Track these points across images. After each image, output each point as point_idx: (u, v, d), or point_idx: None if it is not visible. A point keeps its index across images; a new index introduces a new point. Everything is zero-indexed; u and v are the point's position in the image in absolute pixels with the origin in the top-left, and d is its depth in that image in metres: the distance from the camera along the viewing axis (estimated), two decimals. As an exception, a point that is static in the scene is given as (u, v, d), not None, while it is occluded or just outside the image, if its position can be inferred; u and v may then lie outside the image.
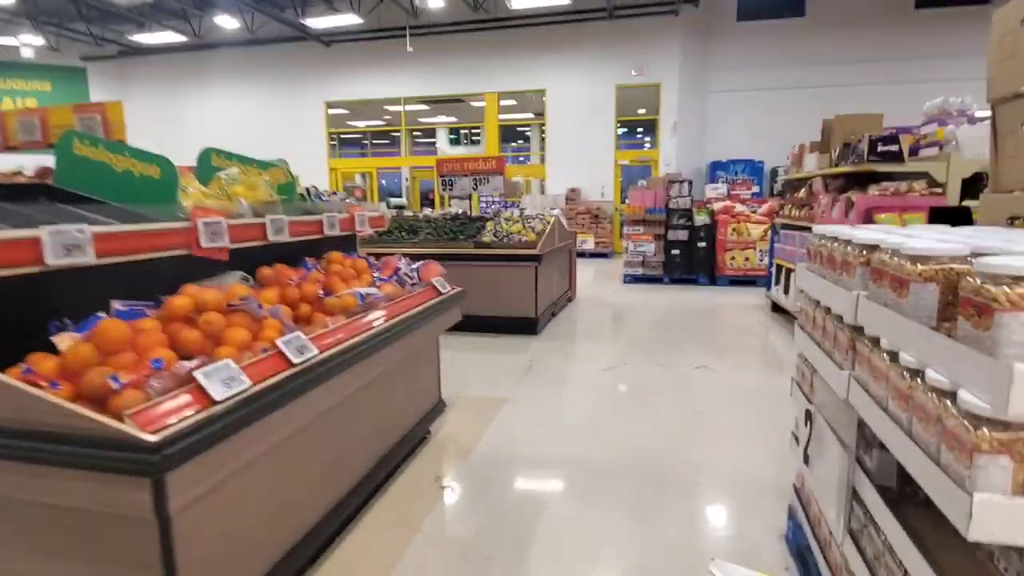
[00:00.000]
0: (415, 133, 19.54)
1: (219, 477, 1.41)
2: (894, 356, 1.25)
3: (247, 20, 13.93)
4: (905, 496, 1.31)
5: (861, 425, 1.41)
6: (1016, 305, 0.85)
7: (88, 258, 1.51)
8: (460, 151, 19.59)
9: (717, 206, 8.93)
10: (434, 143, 19.78)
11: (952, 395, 0.97)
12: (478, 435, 3.28)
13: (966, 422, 0.91)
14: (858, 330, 1.43)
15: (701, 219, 8.67)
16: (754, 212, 8.72)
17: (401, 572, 2.06)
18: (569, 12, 12.49)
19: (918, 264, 1.14)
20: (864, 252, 1.40)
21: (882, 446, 1.31)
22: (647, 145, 18.41)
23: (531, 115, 16.97)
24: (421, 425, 3.10)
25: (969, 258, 1.08)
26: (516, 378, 4.31)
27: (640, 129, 19.07)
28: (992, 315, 0.87)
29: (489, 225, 5.99)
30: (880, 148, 3.90)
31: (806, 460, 1.79)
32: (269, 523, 1.78)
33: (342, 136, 18.12)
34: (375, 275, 2.76)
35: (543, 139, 14.73)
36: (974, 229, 1.70)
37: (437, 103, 15.80)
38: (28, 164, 4.94)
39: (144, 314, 1.64)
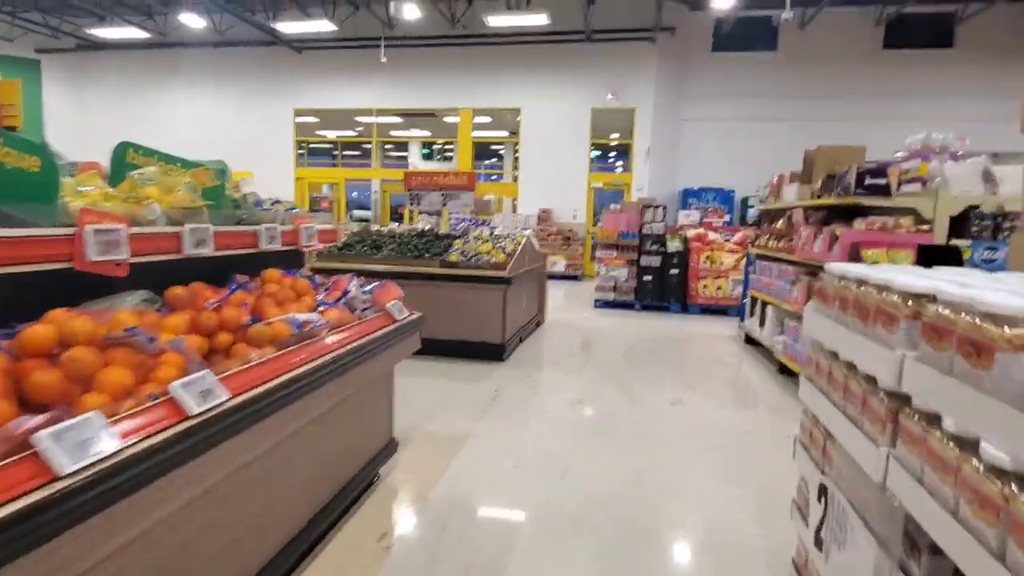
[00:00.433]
0: (387, 146, 19.17)
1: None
2: (960, 440, 0.97)
3: (215, 20, 13.44)
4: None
5: (906, 519, 1.13)
6: None
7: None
8: (433, 166, 19.29)
9: (690, 233, 8.81)
10: (406, 157, 19.44)
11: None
12: (433, 479, 2.91)
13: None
14: (902, 398, 1.15)
15: (674, 245, 8.52)
16: (727, 240, 8.62)
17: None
18: (547, 32, 12.40)
19: (1005, 327, 0.86)
20: (914, 302, 1.13)
21: (938, 551, 1.02)
22: (619, 169, 18.46)
23: (505, 133, 16.81)
24: (368, 468, 2.72)
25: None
26: (479, 410, 3.96)
27: (613, 153, 19.12)
28: None
29: (457, 243, 5.67)
30: (868, 181, 3.74)
31: (818, 544, 1.50)
32: (152, 616, 1.39)
33: (312, 145, 17.63)
34: (319, 298, 2.40)
35: (516, 158, 14.55)
36: None
37: (410, 116, 15.50)
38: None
39: (-8, 346, 1.26)
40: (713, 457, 3.32)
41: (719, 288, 8.35)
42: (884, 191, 3.75)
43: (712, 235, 8.74)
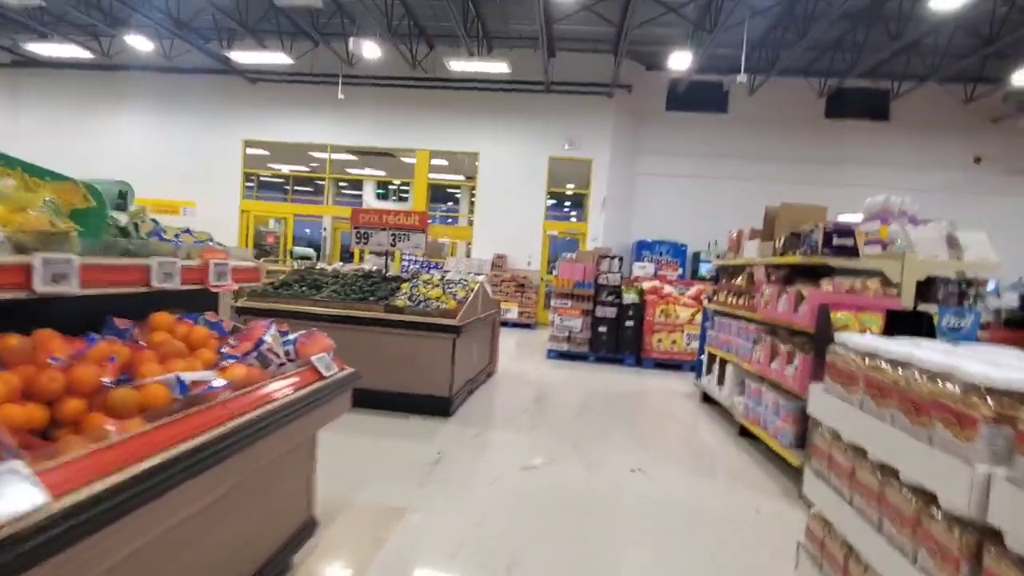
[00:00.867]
0: (341, 184, 18.72)
1: None
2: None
3: (164, 46, 12.92)
4: None
5: None
6: None
7: None
8: (388, 206, 18.91)
9: (646, 285, 8.70)
10: (361, 196, 19.01)
11: None
12: (356, 569, 2.44)
13: None
14: (982, 530, 0.85)
15: (630, 297, 8.37)
16: (683, 294, 8.54)
17: None
18: (507, 81, 12.48)
19: None
20: (996, 402, 0.84)
21: None
22: (574, 218, 18.59)
23: (462, 177, 16.70)
24: (279, 558, 2.23)
25: None
26: (419, 477, 3.51)
27: (568, 203, 19.29)
28: None
29: (405, 287, 5.28)
30: (836, 241, 3.62)
31: None
32: None
33: (263, 179, 17.00)
34: (224, 350, 1.97)
35: (472, 202, 14.38)
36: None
37: (366, 155, 15.18)
38: None
39: None
40: (682, 548, 2.93)
41: (674, 342, 8.19)
42: (852, 252, 3.64)
43: (668, 288, 8.65)
